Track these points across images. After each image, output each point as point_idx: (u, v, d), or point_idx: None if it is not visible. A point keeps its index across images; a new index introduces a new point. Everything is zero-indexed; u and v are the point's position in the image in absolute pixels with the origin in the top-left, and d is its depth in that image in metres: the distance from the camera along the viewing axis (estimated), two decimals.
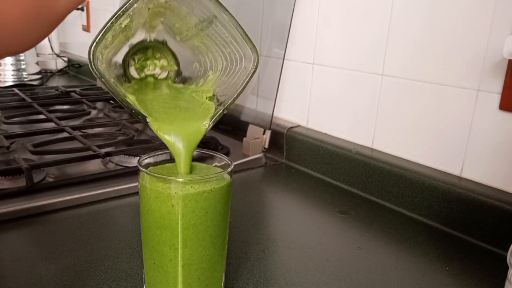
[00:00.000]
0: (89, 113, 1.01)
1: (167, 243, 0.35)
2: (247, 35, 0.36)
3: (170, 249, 0.35)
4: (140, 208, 0.37)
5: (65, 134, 0.82)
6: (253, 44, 0.37)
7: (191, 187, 0.34)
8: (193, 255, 0.35)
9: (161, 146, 0.77)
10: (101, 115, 1.03)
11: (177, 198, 0.34)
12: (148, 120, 0.36)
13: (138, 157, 0.38)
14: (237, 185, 0.69)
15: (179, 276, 0.36)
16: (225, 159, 0.39)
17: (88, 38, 1.73)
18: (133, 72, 0.39)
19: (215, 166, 0.40)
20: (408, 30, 0.63)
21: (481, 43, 0.55)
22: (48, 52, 1.72)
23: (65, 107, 1.09)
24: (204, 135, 0.38)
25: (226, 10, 0.36)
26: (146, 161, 0.38)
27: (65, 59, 1.75)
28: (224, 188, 0.36)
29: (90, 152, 0.71)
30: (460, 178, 0.59)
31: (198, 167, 0.39)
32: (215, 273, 0.38)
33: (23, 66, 1.43)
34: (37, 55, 1.54)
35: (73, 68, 1.73)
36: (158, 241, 0.35)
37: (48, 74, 1.65)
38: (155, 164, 0.39)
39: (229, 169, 0.37)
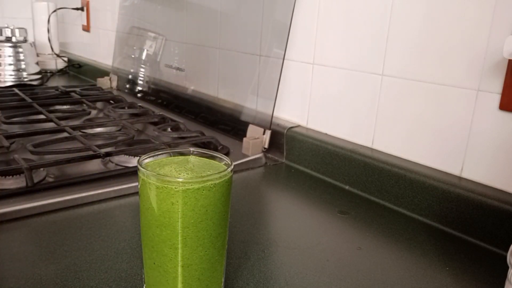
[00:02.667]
0: (89, 113, 1.01)
1: (167, 242, 0.35)
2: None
3: (170, 249, 0.35)
4: (140, 207, 0.37)
5: (65, 134, 0.82)
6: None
7: (191, 184, 0.34)
8: (193, 254, 0.35)
9: (161, 146, 0.77)
10: (101, 115, 1.03)
11: (177, 196, 0.34)
12: None
13: (138, 157, 0.38)
14: (237, 185, 0.69)
15: (179, 276, 0.36)
16: (225, 159, 0.39)
17: (88, 38, 1.73)
18: None
19: (217, 161, 0.40)
20: (408, 30, 0.63)
21: (481, 43, 0.55)
22: (48, 52, 1.73)
23: (65, 107, 1.09)
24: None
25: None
26: (146, 160, 0.38)
27: (65, 59, 1.75)
28: (224, 186, 0.36)
29: (90, 152, 0.71)
30: (460, 178, 0.59)
31: (200, 162, 0.39)
32: (215, 273, 0.38)
33: (23, 66, 1.43)
34: (37, 55, 1.54)
35: (73, 68, 1.73)
36: (158, 240, 0.35)
37: (48, 74, 1.65)
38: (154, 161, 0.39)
39: (229, 168, 0.37)
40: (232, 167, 0.37)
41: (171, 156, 0.40)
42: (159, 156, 0.39)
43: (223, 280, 0.40)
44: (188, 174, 0.37)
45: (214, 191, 0.35)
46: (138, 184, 0.36)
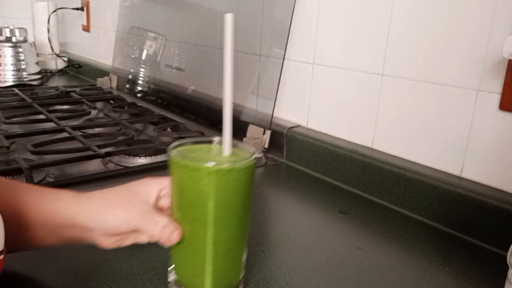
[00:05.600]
0: (89, 113, 1.01)
1: (198, 221, 0.37)
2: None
3: (201, 227, 0.37)
4: (172, 189, 0.39)
5: (65, 134, 0.82)
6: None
7: (223, 168, 0.36)
8: (221, 232, 0.38)
9: (161, 146, 0.77)
10: (101, 115, 1.03)
11: (210, 177, 0.36)
12: None
13: (169, 145, 0.40)
14: None
15: (208, 253, 0.38)
16: (247, 147, 0.41)
17: (88, 38, 1.73)
18: None
19: (242, 149, 0.41)
20: (408, 30, 0.63)
21: (481, 43, 0.55)
22: (48, 52, 1.72)
23: (65, 107, 1.09)
24: None
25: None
26: (175, 148, 0.40)
27: (65, 59, 1.75)
28: (249, 170, 0.38)
29: (90, 152, 0.71)
30: (460, 178, 0.59)
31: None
32: (239, 250, 0.40)
33: (23, 66, 1.43)
34: (37, 55, 1.54)
35: (73, 68, 1.73)
36: (189, 219, 0.38)
37: (48, 74, 1.65)
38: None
39: (255, 155, 0.39)
40: (255, 155, 0.39)
41: (196, 144, 0.42)
42: (185, 144, 0.41)
43: (244, 256, 0.41)
44: (217, 159, 0.39)
45: (242, 174, 0.37)
46: (169, 169, 0.39)
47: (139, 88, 1.28)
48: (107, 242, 0.41)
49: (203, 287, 0.39)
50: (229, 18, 0.36)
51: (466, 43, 0.57)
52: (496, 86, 0.55)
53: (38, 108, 0.99)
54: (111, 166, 0.73)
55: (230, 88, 0.38)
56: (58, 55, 1.74)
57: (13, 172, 0.63)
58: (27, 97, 1.10)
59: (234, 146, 0.41)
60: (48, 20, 1.70)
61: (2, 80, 1.40)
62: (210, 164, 0.36)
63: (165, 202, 0.42)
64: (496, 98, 0.55)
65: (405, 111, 0.65)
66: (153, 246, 0.50)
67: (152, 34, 1.23)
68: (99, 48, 1.64)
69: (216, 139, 0.41)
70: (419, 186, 0.60)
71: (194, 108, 1.04)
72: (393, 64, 0.66)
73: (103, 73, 1.46)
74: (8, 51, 1.41)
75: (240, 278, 0.42)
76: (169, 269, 0.42)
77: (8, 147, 0.75)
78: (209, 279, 0.39)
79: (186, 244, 0.39)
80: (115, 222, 0.39)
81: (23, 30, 1.47)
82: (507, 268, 0.36)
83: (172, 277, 0.42)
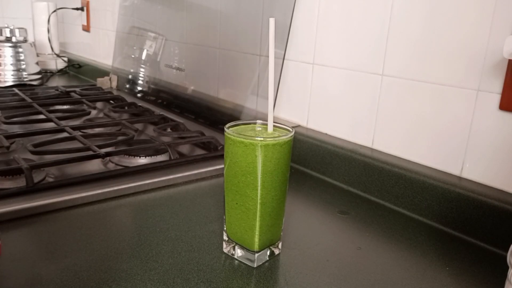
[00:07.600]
0: (89, 113, 1.01)
1: (250, 185, 0.46)
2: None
3: (252, 190, 0.46)
4: (227, 162, 0.47)
5: (65, 134, 0.82)
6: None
7: (269, 142, 0.45)
8: (268, 194, 0.46)
9: (161, 146, 0.77)
10: (101, 115, 1.03)
11: (260, 150, 0.44)
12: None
13: (226, 125, 0.48)
14: None
15: (257, 212, 0.46)
16: (285, 127, 0.49)
17: (88, 38, 1.73)
18: None
19: (280, 128, 0.50)
20: (408, 30, 0.63)
21: (481, 43, 0.55)
22: (48, 52, 1.73)
23: (65, 107, 1.09)
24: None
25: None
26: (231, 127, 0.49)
27: (65, 59, 1.75)
28: (289, 144, 0.47)
29: (90, 152, 0.71)
30: (460, 178, 0.59)
31: (264, 129, 0.50)
32: (280, 210, 0.49)
33: (23, 66, 1.43)
34: (37, 55, 1.54)
35: (73, 68, 1.73)
36: (242, 185, 0.46)
37: (48, 74, 1.65)
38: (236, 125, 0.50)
39: (293, 132, 0.48)
40: (294, 131, 0.48)
41: (244, 125, 0.50)
42: (236, 125, 0.50)
43: (283, 216, 0.50)
44: (264, 135, 0.47)
45: (284, 147, 0.46)
46: (225, 146, 0.47)
47: (139, 88, 1.28)
48: None
49: (252, 240, 0.47)
50: (272, 21, 0.50)
51: (466, 43, 0.57)
52: (496, 86, 0.55)
53: (38, 108, 0.99)
54: (111, 166, 0.73)
55: (272, 79, 0.52)
56: (58, 55, 1.74)
57: (13, 172, 0.63)
58: (27, 97, 1.10)
59: (275, 125, 0.49)
60: (48, 20, 1.70)
61: (2, 80, 1.40)
62: (260, 140, 0.44)
63: None
64: (496, 98, 0.55)
65: (405, 111, 0.65)
66: (153, 246, 0.50)
67: (152, 34, 1.23)
68: (99, 48, 1.64)
69: (259, 121, 0.51)
70: (419, 186, 0.60)
71: (194, 108, 1.04)
72: (393, 64, 0.66)
73: (103, 73, 1.46)
74: (8, 51, 1.41)
75: (280, 235, 0.50)
76: (224, 230, 0.50)
77: (8, 147, 0.75)
78: (257, 233, 0.47)
79: (239, 205, 0.47)
80: None
81: (23, 30, 1.47)
82: (507, 268, 0.36)
83: (225, 236, 0.50)
